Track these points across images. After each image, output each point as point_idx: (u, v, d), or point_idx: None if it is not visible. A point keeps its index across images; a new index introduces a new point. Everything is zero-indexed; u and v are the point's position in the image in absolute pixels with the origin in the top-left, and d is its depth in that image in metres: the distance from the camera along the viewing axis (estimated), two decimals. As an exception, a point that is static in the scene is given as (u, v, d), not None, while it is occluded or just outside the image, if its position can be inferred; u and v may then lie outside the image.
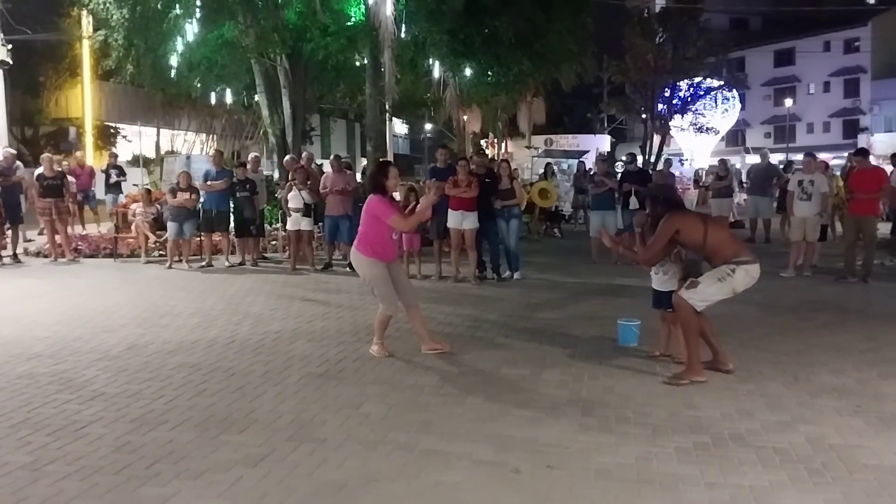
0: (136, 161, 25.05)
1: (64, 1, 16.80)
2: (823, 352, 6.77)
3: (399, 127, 45.74)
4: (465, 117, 33.35)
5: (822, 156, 26.74)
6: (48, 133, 31.62)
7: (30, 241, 14.92)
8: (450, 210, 10.82)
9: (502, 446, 4.50)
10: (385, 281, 6.70)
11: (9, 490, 3.91)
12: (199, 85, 18.61)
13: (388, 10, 14.38)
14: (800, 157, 20.13)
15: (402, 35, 15.72)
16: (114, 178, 17.94)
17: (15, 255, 13.27)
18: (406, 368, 6.26)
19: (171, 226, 12.60)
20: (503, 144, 38.38)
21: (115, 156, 19.95)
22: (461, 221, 10.75)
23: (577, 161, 25.13)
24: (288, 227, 12.57)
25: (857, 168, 11.25)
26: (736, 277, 5.81)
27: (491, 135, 38.67)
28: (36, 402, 5.34)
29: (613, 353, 6.72)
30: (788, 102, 54.90)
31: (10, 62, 18.28)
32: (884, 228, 15.24)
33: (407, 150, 55.20)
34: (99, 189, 18.49)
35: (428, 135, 44.71)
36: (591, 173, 14.06)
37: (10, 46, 18.23)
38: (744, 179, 21.74)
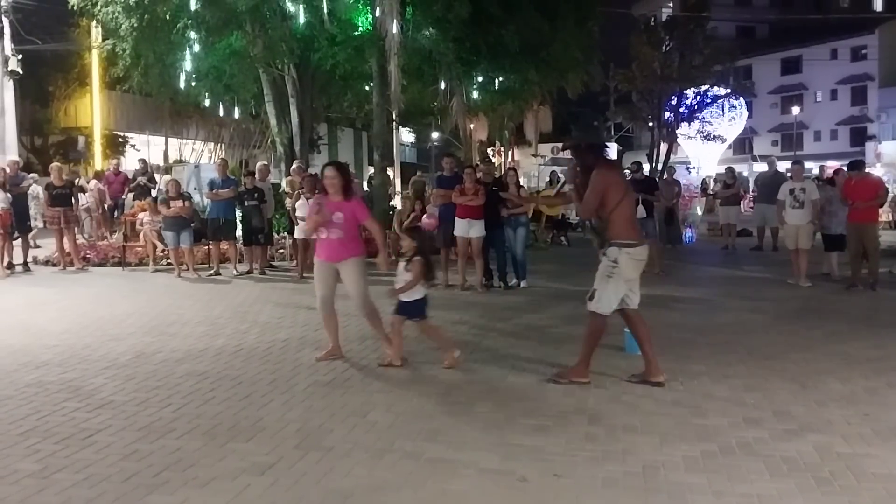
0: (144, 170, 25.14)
1: (73, 11, 16.89)
2: (831, 360, 6.75)
3: (406, 136, 45.82)
4: (472, 126, 33.33)
5: (829, 164, 26.74)
6: (57, 142, 31.82)
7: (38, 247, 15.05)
8: (456, 218, 10.84)
9: (509, 455, 4.50)
10: (317, 279, 6.90)
11: (17, 498, 3.92)
12: (207, 94, 18.71)
13: (395, 19, 14.45)
14: (808, 164, 20.14)
15: (409, 44, 15.79)
16: (142, 181, 17.92)
17: (25, 264, 13.34)
18: (413, 377, 6.26)
19: (167, 236, 12.65)
20: (510, 153, 38.40)
21: (144, 161, 20.05)
22: (468, 230, 10.76)
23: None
24: (296, 235, 12.60)
25: (853, 178, 11.28)
26: (621, 267, 5.86)
27: (497, 143, 38.71)
28: (45, 411, 5.36)
29: (620, 362, 6.70)
30: (795, 110, 54.82)
31: (20, 72, 18.43)
32: (891, 237, 15.23)
33: (414, 159, 55.28)
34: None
35: (435, 143, 44.78)
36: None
37: (20, 56, 18.38)
38: (751, 187, 21.72)
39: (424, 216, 11.49)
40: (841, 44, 54.33)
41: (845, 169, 12.54)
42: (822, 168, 21.03)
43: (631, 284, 6.00)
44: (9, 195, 12.86)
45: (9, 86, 18.31)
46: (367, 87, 19.07)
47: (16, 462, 4.41)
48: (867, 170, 12.12)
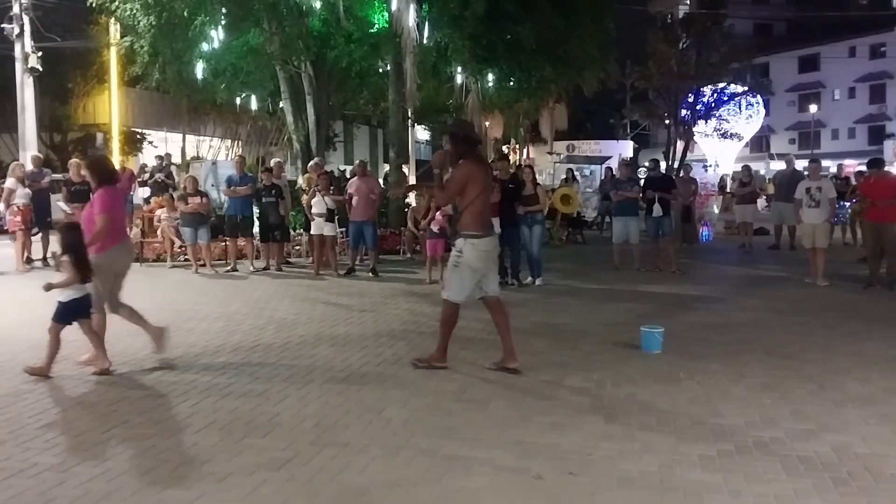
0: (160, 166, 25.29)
1: (92, 9, 17.01)
2: (849, 360, 6.70)
3: (421, 133, 45.83)
4: (487, 123, 33.35)
5: (847, 162, 26.53)
6: (76, 139, 32.02)
7: None
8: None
9: (524, 453, 4.50)
10: None
11: (37, 491, 3.97)
12: (224, 91, 18.79)
13: (411, 16, 14.45)
14: (825, 163, 19.97)
15: (425, 41, 15.80)
16: (159, 178, 17.99)
17: (45, 259, 13.44)
18: (428, 374, 6.26)
19: (185, 232, 12.73)
20: (525, 150, 38.36)
21: (161, 157, 20.14)
22: (483, 227, 10.73)
23: (600, 167, 25.07)
24: (311, 231, 12.64)
25: (872, 177, 11.18)
26: (466, 258, 6.19)
27: (513, 141, 38.68)
28: (63, 405, 5.42)
29: (636, 361, 6.69)
30: (813, 108, 54.40)
31: (40, 69, 18.57)
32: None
33: (429, 156, 55.27)
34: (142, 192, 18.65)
35: (450, 141, 44.69)
36: (615, 179, 14.06)
37: (39, 54, 18.53)
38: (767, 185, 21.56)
39: (438, 213, 11.49)
40: (859, 41, 53.86)
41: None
42: (839, 167, 20.86)
43: (484, 272, 6.33)
44: (28, 191, 12.97)
45: (29, 83, 18.47)
46: (383, 84, 19.10)
47: (35, 455, 4.46)
48: (886, 168, 12.00)
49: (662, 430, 4.90)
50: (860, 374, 6.20)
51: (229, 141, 32.65)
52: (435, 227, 11.52)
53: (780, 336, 7.73)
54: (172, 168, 18.95)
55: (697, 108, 37.32)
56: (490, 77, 19.41)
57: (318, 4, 15.19)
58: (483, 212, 6.31)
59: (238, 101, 20.48)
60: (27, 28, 18.36)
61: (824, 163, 16.38)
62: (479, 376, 6.20)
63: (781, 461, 4.37)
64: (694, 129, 37.93)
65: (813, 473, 4.20)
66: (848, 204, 16.44)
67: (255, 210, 13.21)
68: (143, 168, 19.36)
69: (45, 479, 4.11)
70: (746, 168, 18.28)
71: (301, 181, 14.71)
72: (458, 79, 18.56)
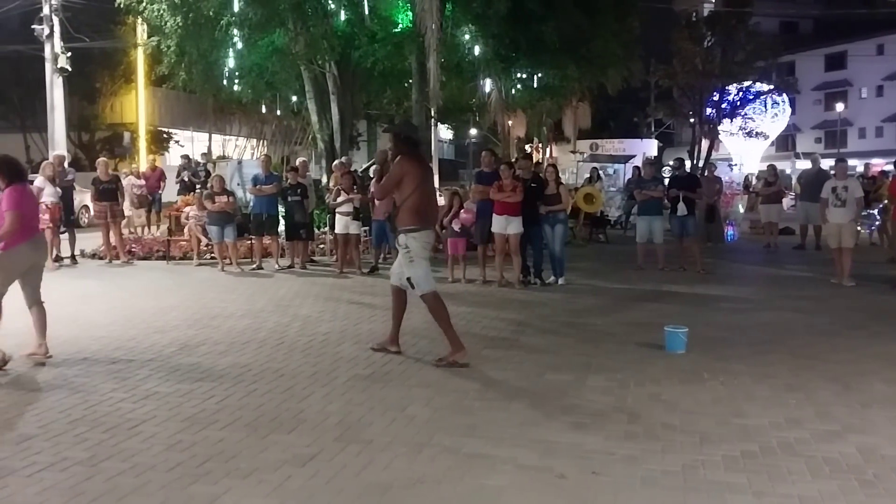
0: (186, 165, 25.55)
1: (120, 9, 17.22)
2: (875, 361, 6.64)
3: (444, 132, 45.86)
4: (510, 122, 33.31)
5: (874, 161, 26.21)
6: (104, 138, 32.48)
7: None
8: (494, 215, 10.84)
9: (547, 451, 4.51)
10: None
11: (67, 485, 4.04)
12: (249, 91, 18.94)
13: (435, 16, 14.49)
14: (852, 162, 19.75)
15: (448, 41, 15.83)
16: (187, 178, 18.15)
17: (72, 257, 13.63)
18: (450, 372, 6.29)
19: (212, 230, 12.85)
20: (548, 149, 38.26)
21: (188, 157, 20.33)
22: (505, 226, 10.76)
23: (623, 166, 24.97)
24: (337, 230, 12.71)
25: None
26: (414, 252, 6.46)
27: (536, 139, 38.60)
28: (92, 400, 5.49)
29: (660, 361, 6.67)
30: (840, 107, 53.72)
31: (69, 69, 18.80)
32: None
33: (452, 155, 55.35)
34: (171, 192, 18.84)
35: (473, 140, 44.82)
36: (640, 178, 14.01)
37: (69, 54, 18.76)
38: (794, 185, 21.35)
39: (462, 211, 11.52)
40: (888, 39, 53.01)
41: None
42: (867, 166, 20.61)
43: (424, 264, 6.59)
44: (58, 189, 13.15)
45: (58, 83, 18.70)
46: (406, 84, 19.16)
47: (65, 450, 4.54)
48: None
49: (686, 430, 4.89)
50: (887, 376, 6.14)
51: (255, 140, 32.94)
52: (456, 227, 11.53)
53: (805, 337, 7.68)
54: (209, 166, 19.09)
55: (722, 106, 36.99)
56: (513, 76, 19.41)
57: (342, 5, 15.30)
58: (419, 207, 6.50)
59: (263, 100, 20.65)
60: (56, 29, 18.59)
61: (851, 162, 16.20)
62: (501, 375, 6.21)
63: (806, 462, 4.35)
64: (719, 128, 37.62)
65: (838, 475, 4.18)
66: (876, 212, 16.26)
67: (281, 209, 13.31)
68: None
69: (75, 474, 4.18)
70: (772, 167, 18.08)
71: (327, 181, 14.79)
72: (481, 78, 18.57)
